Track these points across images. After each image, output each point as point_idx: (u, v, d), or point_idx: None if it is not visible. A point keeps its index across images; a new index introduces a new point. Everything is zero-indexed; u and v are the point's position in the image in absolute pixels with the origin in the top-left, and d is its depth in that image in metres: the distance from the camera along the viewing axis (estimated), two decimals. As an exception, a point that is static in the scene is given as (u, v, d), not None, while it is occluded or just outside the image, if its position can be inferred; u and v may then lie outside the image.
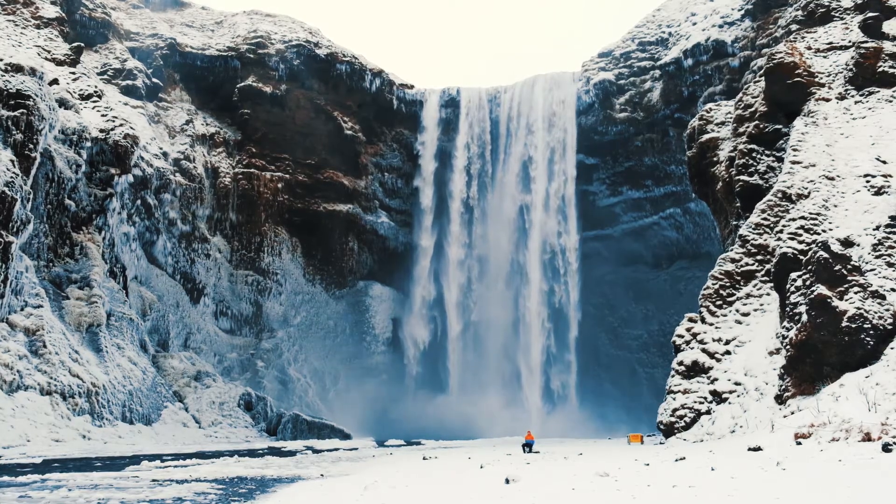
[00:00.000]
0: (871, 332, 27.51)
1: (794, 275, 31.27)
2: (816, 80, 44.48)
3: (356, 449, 47.87)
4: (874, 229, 31.67)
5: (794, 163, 39.07)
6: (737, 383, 34.56)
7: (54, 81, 57.06)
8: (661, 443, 38.36)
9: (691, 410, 35.60)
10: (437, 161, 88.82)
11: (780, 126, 45.04)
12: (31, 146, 48.16)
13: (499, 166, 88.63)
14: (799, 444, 22.90)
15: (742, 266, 39.12)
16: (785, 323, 31.54)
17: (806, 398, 27.90)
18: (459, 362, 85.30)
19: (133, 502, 17.47)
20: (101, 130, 59.62)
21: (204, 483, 22.05)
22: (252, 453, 41.57)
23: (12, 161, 45.45)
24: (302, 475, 25.13)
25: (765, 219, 38.97)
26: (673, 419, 35.96)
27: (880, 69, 42.48)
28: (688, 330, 38.90)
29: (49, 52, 63.31)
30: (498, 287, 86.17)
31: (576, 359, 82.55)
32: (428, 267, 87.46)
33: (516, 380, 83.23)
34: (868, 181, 35.22)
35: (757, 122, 46.13)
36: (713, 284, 39.56)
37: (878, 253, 30.46)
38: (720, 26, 73.76)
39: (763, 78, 47.33)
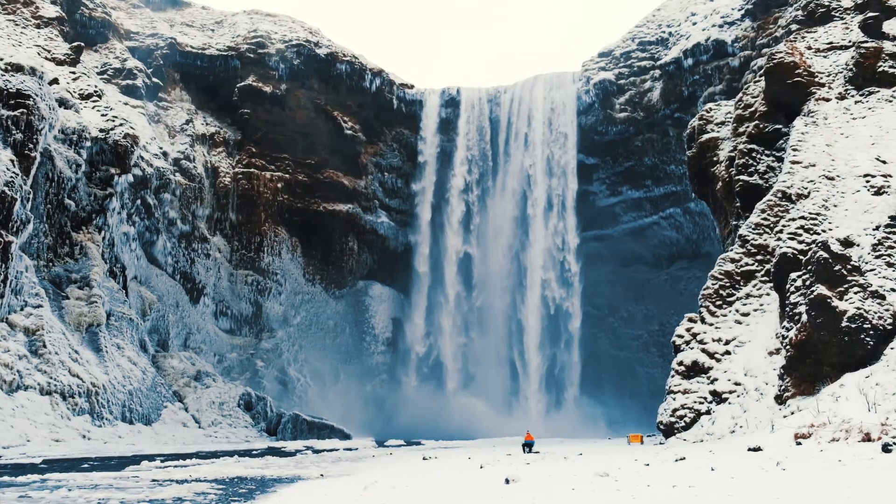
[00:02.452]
0: (871, 332, 27.50)
1: (794, 275, 31.27)
2: (816, 79, 44.47)
3: (356, 449, 47.86)
4: (874, 229, 31.66)
5: (794, 163, 39.06)
6: (737, 383, 34.55)
7: (54, 81, 57.02)
8: (661, 443, 38.34)
9: (691, 410, 35.59)
10: (438, 161, 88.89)
11: (780, 126, 45.03)
12: (31, 146, 48.14)
13: (499, 166, 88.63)
14: (799, 444, 22.90)
15: (742, 266, 39.11)
16: (785, 323, 31.53)
17: (806, 398, 27.90)
18: (459, 363, 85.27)
19: (133, 502, 17.47)
20: (101, 130, 59.60)
21: (204, 483, 22.04)
22: (252, 453, 41.57)
23: (12, 161, 45.43)
24: (302, 475, 25.12)
25: (765, 219, 38.96)
26: (673, 419, 35.95)
27: (880, 69, 42.46)
28: (688, 330, 38.89)
29: (49, 51, 63.30)
30: (499, 286, 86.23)
31: (578, 358, 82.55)
32: (426, 261, 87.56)
33: (516, 380, 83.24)
34: (868, 181, 35.21)
35: (757, 121, 46.12)
36: (713, 284, 39.55)
37: (878, 253, 30.45)
38: (720, 26, 73.74)
39: (763, 78, 47.31)
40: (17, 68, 50.02)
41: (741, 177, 44.72)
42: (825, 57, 46.41)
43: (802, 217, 34.95)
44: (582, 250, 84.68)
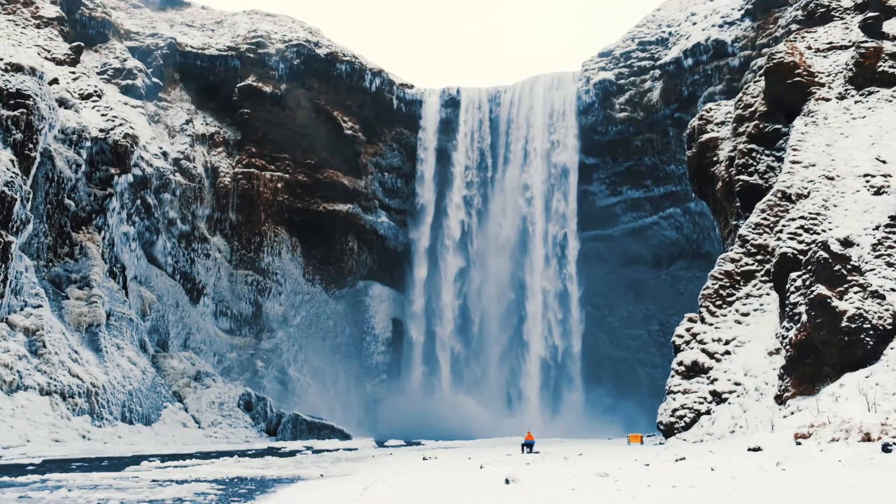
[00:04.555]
0: (871, 332, 27.50)
1: (793, 275, 31.26)
2: (816, 79, 44.46)
3: (356, 449, 47.85)
4: (874, 229, 31.65)
5: (793, 162, 39.06)
6: (736, 383, 34.56)
7: (54, 81, 57.02)
8: (660, 443, 38.35)
9: (691, 411, 35.59)
10: (437, 161, 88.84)
11: (780, 126, 45.03)
12: (31, 146, 48.14)
13: (499, 166, 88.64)
14: (799, 444, 22.90)
15: (742, 266, 39.11)
16: (785, 323, 31.53)
17: (806, 398, 27.89)
18: (459, 364, 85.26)
19: (133, 502, 17.47)
20: (101, 130, 59.59)
21: (204, 483, 22.04)
22: (252, 453, 41.55)
23: (12, 161, 45.43)
24: (302, 475, 25.11)
25: (764, 219, 38.96)
26: (673, 419, 35.95)
27: (880, 69, 42.45)
28: (687, 330, 38.89)
29: (49, 51, 63.29)
30: (499, 284, 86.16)
31: (579, 358, 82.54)
32: (425, 263, 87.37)
33: (516, 380, 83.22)
34: (868, 181, 35.20)
35: (757, 121, 46.12)
36: (713, 284, 39.55)
37: (877, 253, 30.44)
38: (720, 26, 73.73)
39: (763, 78, 47.31)
40: (17, 68, 50.02)
41: (741, 177, 44.71)
42: (825, 57, 46.39)
43: (802, 217, 34.95)
44: (582, 252, 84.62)
